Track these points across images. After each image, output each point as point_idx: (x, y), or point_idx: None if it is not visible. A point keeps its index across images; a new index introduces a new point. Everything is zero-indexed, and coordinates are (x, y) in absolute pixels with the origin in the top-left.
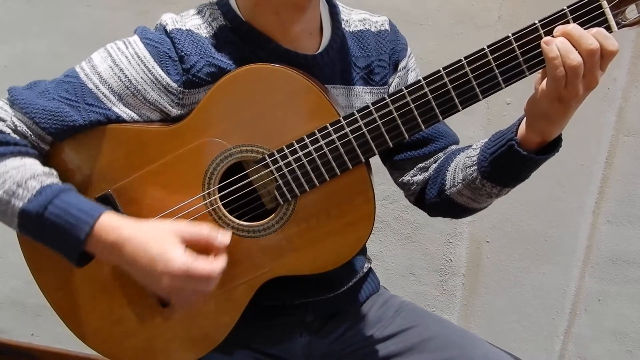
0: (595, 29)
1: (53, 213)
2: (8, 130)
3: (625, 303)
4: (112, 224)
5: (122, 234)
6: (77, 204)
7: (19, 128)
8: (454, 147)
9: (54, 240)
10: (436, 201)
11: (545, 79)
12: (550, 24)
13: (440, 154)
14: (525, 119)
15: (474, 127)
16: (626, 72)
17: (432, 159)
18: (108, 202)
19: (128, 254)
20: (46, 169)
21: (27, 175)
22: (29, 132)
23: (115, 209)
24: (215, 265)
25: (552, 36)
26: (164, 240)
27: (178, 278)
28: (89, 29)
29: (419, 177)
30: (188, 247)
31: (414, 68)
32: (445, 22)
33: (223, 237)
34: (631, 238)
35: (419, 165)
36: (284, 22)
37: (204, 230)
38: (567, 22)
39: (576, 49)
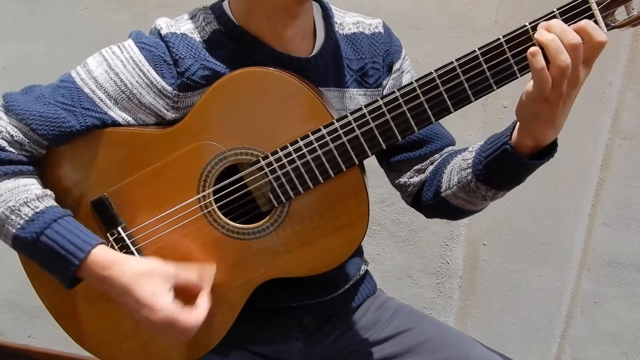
0: (584, 21)
1: (45, 243)
2: (4, 144)
3: (621, 305)
4: (103, 259)
5: (113, 271)
6: (69, 235)
7: (15, 137)
8: (450, 148)
9: (45, 266)
10: (432, 203)
11: (531, 82)
12: None
13: (437, 155)
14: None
15: (471, 130)
16: (622, 75)
17: (428, 160)
18: (104, 204)
19: (117, 290)
20: (40, 191)
21: (20, 201)
22: (26, 140)
23: (111, 211)
24: (198, 316)
25: (538, 32)
26: (155, 285)
27: (160, 324)
28: (87, 30)
29: (416, 179)
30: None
31: (409, 70)
32: (442, 26)
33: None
34: (627, 240)
35: (416, 167)
36: (276, 26)
37: (194, 277)
38: None
39: None
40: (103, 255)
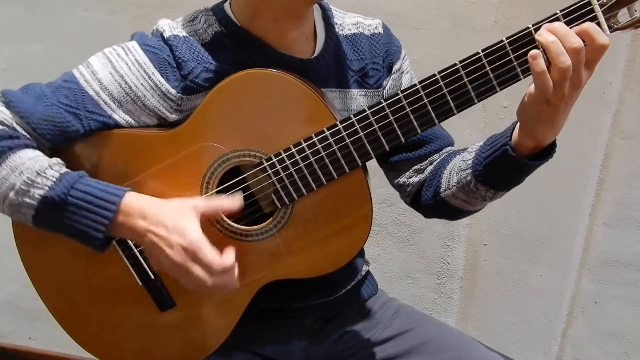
0: (587, 24)
1: (77, 196)
2: (10, 131)
3: (622, 305)
4: (137, 202)
5: (145, 213)
6: (100, 186)
7: (19, 130)
8: (449, 149)
9: (77, 225)
10: (431, 203)
11: (533, 84)
12: None
13: (436, 155)
14: (518, 123)
15: (471, 130)
16: (621, 75)
17: (427, 160)
18: None
19: (152, 226)
20: (59, 159)
21: (44, 165)
22: (28, 136)
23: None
24: (220, 259)
25: (539, 33)
26: (183, 214)
27: (186, 252)
28: (87, 32)
29: (415, 179)
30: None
31: (408, 70)
32: (442, 26)
33: (235, 201)
34: (627, 240)
35: (415, 167)
36: (282, 29)
37: (219, 202)
38: None
39: None
40: (136, 197)
